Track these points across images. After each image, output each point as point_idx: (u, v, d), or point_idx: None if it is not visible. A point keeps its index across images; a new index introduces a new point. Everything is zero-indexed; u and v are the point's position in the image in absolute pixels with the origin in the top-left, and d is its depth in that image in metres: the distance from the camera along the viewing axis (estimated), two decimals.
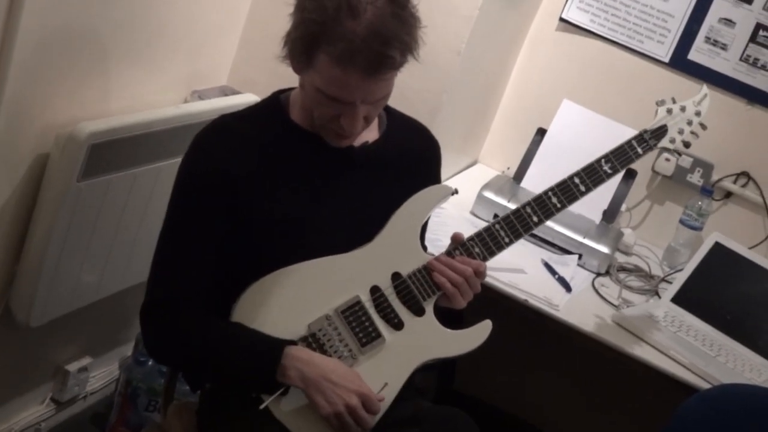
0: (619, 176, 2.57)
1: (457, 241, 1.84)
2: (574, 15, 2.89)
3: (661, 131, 2.02)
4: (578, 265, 2.52)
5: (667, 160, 2.80)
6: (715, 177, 2.81)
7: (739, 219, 2.81)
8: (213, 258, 1.75)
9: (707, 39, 2.78)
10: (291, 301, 1.74)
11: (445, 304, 1.81)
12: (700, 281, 2.46)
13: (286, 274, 1.75)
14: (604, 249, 2.53)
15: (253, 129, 1.80)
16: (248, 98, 2.45)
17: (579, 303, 2.34)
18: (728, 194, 2.82)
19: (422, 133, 1.98)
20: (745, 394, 1.76)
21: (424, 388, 2.52)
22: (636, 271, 2.62)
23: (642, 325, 2.29)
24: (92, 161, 2.04)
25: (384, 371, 1.76)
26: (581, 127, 2.72)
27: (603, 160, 1.95)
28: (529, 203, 1.88)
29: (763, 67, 2.73)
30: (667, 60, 2.83)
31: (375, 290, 1.78)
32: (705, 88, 2.08)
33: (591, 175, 1.93)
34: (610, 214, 2.67)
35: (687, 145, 2.04)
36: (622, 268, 2.61)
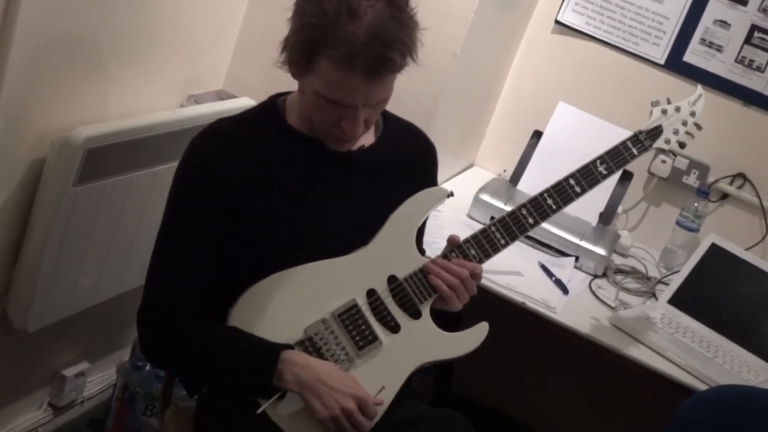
0: (615, 178, 2.59)
1: (453, 244, 1.84)
2: (569, 17, 2.89)
3: (656, 132, 2.02)
4: (575, 267, 2.52)
5: (663, 161, 2.80)
6: (711, 178, 2.81)
7: (736, 220, 2.82)
8: (210, 261, 1.75)
9: (702, 41, 2.78)
10: (287, 304, 1.74)
11: (442, 307, 1.81)
12: (696, 283, 2.46)
13: (283, 277, 1.75)
14: (600, 251, 2.53)
15: (250, 133, 1.80)
16: (244, 102, 2.45)
17: (576, 305, 2.35)
18: (724, 196, 2.83)
19: (418, 136, 1.98)
20: (742, 395, 1.76)
21: (422, 391, 2.52)
22: (633, 272, 2.62)
23: (639, 326, 2.29)
24: (88, 166, 2.04)
25: (381, 374, 1.75)
26: (577, 130, 2.72)
27: (598, 161, 1.95)
28: (524, 205, 1.88)
29: (758, 69, 2.74)
30: (662, 62, 2.83)
31: (371, 293, 1.78)
32: (700, 89, 2.08)
33: (586, 176, 1.93)
34: (607, 216, 2.68)
35: (682, 145, 2.04)
36: (619, 270, 2.61)
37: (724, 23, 2.75)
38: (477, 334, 1.81)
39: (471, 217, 2.61)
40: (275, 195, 1.76)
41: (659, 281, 2.59)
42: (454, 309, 1.81)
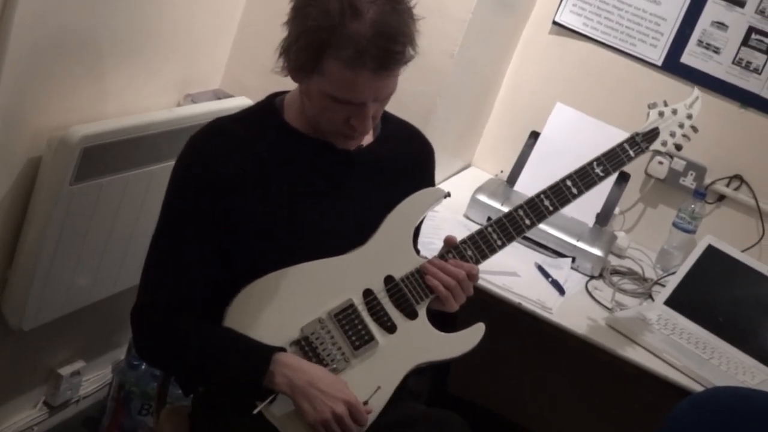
0: (612, 179, 2.58)
1: (450, 244, 1.84)
2: (567, 18, 2.89)
3: (652, 134, 2.02)
4: (571, 268, 2.52)
5: (660, 163, 2.80)
6: (708, 180, 2.81)
7: (732, 222, 2.82)
8: (207, 260, 1.74)
9: (700, 42, 2.78)
10: (284, 304, 1.74)
11: (438, 307, 1.81)
12: (693, 284, 2.46)
13: (279, 276, 1.74)
14: (597, 252, 2.53)
15: (248, 131, 1.80)
16: (241, 102, 2.45)
17: (572, 306, 2.35)
18: (721, 197, 2.83)
19: (416, 136, 1.98)
20: (737, 396, 1.77)
21: (417, 391, 2.52)
22: (629, 274, 2.62)
23: (635, 327, 2.29)
24: (85, 165, 2.04)
25: (377, 375, 1.75)
26: (574, 130, 2.72)
27: (595, 163, 1.95)
28: (521, 206, 1.88)
29: (755, 71, 2.74)
30: (659, 63, 2.83)
31: (368, 293, 1.78)
32: (696, 91, 2.08)
33: (583, 178, 1.93)
34: (604, 217, 2.68)
35: (679, 147, 2.04)
36: (616, 271, 2.61)
37: (721, 25, 2.76)
38: (473, 334, 1.81)
39: (468, 218, 2.61)
40: (273, 194, 1.76)
41: (656, 282, 2.59)
42: (450, 310, 1.81)
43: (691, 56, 2.79)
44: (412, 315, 1.79)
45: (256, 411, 1.68)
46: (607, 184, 2.55)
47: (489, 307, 2.19)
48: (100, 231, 2.23)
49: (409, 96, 2.40)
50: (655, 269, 2.70)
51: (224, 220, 1.73)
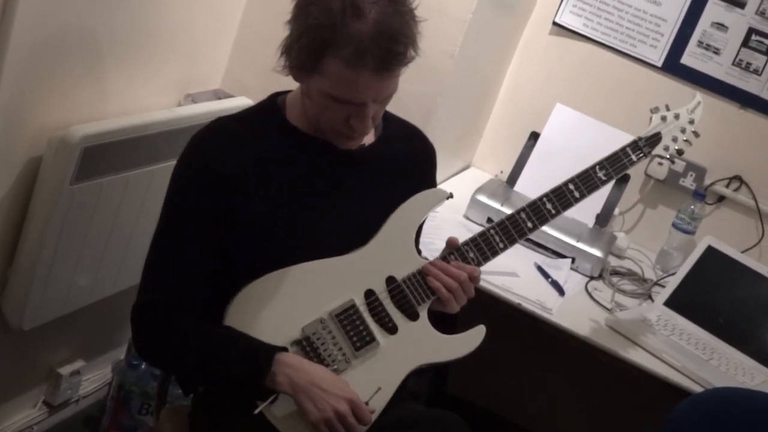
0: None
1: (452, 246, 1.84)
2: (567, 19, 2.89)
3: (655, 139, 2.03)
4: (571, 268, 2.52)
5: (660, 164, 2.80)
6: (707, 181, 2.81)
7: (732, 223, 2.82)
8: (208, 259, 1.74)
9: (700, 43, 2.78)
10: (285, 303, 1.74)
11: (439, 308, 1.82)
12: (692, 285, 2.47)
13: (281, 276, 1.74)
14: (597, 252, 2.53)
15: (250, 131, 1.79)
16: (242, 102, 2.45)
17: (572, 306, 2.35)
18: (721, 198, 2.83)
19: (418, 136, 1.98)
20: (737, 397, 1.77)
21: (417, 392, 2.52)
22: (629, 274, 2.63)
23: (635, 328, 2.29)
24: (85, 164, 2.04)
25: (377, 375, 1.75)
26: (574, 131, 2.72)
27: (597, 167, 1.95)
28: (523, 209, 1.88)
29: (755, 72, 2.74)
30: (659, 64, 2.83)
31: (369, 294, 1.78)
32: (699, 96, 2.09)
33: (585, 182, 1.94)
34: (603, 217, 2.68)
35: (680, 152, 2.05)
36: (615, 272, 2.61)
37: (721, 26, 2.76)
38: (474, 337, 1.81)
39: (467, 218, 2.61)
40: (275, 193, 1.76)
41: (655, 283, 2.59)
42: (451, 311, 1.81)
43: (691, 57, 2.79)
44: (413, 316, 1.79)
45: (257, 411, 1.68)
46: (607, 185, 2.54)
47: (489, 307, 2.19)
48: (101, 231, 2.23)
49: (410, 96, 2.40)
50: (655, 270, 2.71)
51: (225, 220, 1.73)
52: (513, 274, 2.36)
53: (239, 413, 1.71)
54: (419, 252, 1.89)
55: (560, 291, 2.38)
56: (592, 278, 2.53)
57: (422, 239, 1.99)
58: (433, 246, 2.05)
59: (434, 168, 1.99)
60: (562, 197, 1.91)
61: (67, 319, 2.33)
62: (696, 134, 2.05)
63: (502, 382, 3.06)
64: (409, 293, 1.79)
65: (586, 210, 2.62)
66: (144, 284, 1.77)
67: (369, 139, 1.86)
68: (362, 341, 1.76)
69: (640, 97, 2.77)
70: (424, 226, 1.97)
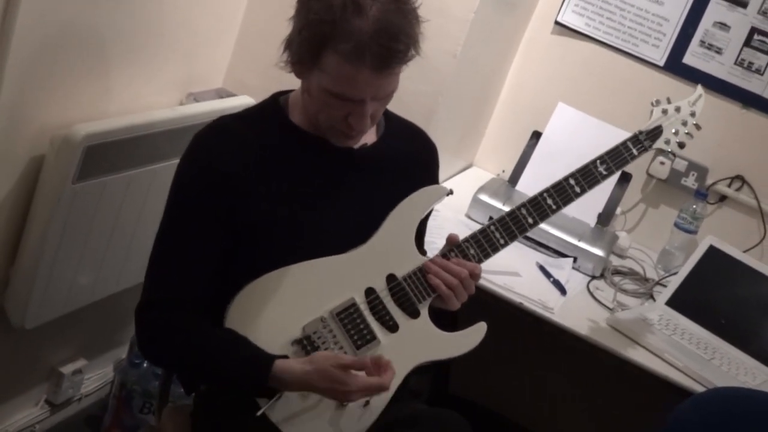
0: (614, 179, 2.59)
1: (452, 243, 1.84)
2: (569, 18, 2.89)
3: (656, 132, 2.02)
4: (573, 268, 2.52)
5: (662, 163, 2.80)
6: (709, 180, 2.81)
7: (734, 222, 2.82)
8: (210, 258, 1.74)
9: (702, 43, 2.78)
10: (286, 302, 1.74)
11: (439, 306, 1.81)
12: (694, 284, 2.47)
13: (281, 275, 1.74)
14: (598, 252, 2.53)
15: (252, 130, 1.80)
16: (243, 101, 2.45)
17: (574, 306, 2.35)
18: (723, 198, 2.83)
19: (420, 135, 1.98)
20: (739, 397, 1.76)
21: (418, 390, 2.52)
22: (631, 274, 2.63)
23: (636, 328, 2.29)
24: (87, 163, 2.04)
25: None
26: (576, 131, 2.72)
27: (598, 162, 1.95)
28: (524, 204, 1.88)
29: (757, 71, 2.74)
30: (662, 64, 2.83)
31: (370, 292, 1.78)
32: (700, 88, 2.08)
33: (586, 177, 1.93)
34: (605, 217, 2.68)
35: (682, 146, 2.04)
36: (617, 271, 2.61)
37: (723, 25, 2.76)
38: (475, 334, 1.81)
39: (469, 217, 2.61)
40: (276, 192, 1.76)
41: (657, 283, 2.59)
42: (452, 308, 1.81)
43: (693, 57, 2.79)
44: (414, 314, 1.79)
45: (260, 413, 1.67)
46: (609, 184, 2.55)
47: (490, 306, 2.19)
48: (103, 229, 2.23)
49: (411, 95, 2.40)
50: (657, 269, 2.70)
51: (227, 219, 1.73)
52: (515, 274, 2.36)
53: (241, 412, 1.71)
54: (422, 251, 1.88)
55: (562, 290, 2.38)
56: (593, 278, 2.53)
57: (423, 238, 1.99)
58: (434, 245, 2.05)
59: (437, 168, 1.99)
60: (562, 192, 1.90)
61: (69, 318, 2.33)
62: (698, 127, 2.04)
63: (504, 382, 3.06)
64: (409, 291, 1.79)
65: (587, 209, 2.62)
66: (148, 283, 1.77)
67: (371, 138, 1.86)
68: (363, 339, 1.76)
69: (642, 96, 2.74)
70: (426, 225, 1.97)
